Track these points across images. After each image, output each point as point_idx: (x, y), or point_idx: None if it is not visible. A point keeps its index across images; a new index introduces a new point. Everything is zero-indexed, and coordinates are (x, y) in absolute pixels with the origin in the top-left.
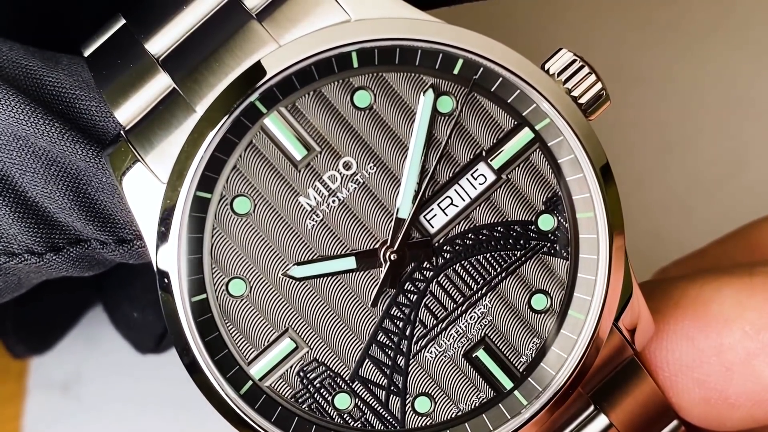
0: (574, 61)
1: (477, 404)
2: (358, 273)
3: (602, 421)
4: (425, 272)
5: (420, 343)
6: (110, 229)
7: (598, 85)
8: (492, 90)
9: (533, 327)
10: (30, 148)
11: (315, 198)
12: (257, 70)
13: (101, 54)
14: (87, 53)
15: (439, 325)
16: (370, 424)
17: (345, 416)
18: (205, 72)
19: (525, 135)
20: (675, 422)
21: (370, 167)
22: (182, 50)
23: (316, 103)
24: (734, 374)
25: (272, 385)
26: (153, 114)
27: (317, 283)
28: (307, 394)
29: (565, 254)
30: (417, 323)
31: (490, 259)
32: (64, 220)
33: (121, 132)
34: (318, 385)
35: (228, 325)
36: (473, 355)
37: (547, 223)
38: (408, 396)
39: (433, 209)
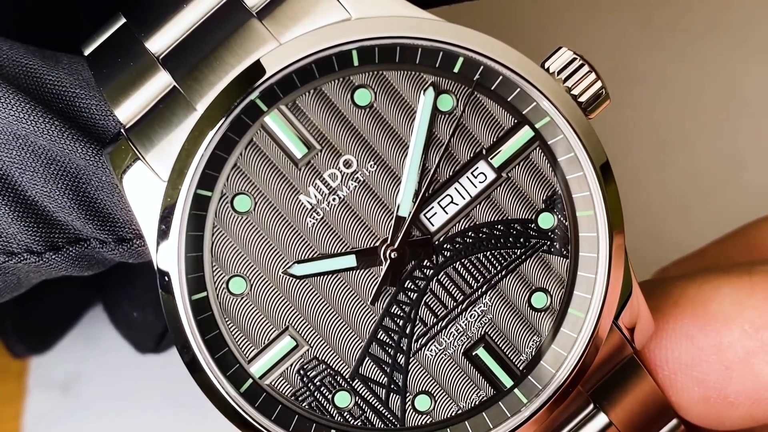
0: (573, 60)
1: (477, 402)
2: (358, 271)
3: (602, 419)
4: (425, 270)
5: (420, 341)
6: (110, 228)
7: (598, 84)
8: (492, 88)
9: (533, 325)
10: (30, 147)
11: (315, 196)
12: (257, 68)
13: (101, 53)
14: (87, 52)
15: (440, 324)
16: (370, 423)
17: (345, 414)
18: (206, 70)
19: (525, 133)
20: (674, 421)
21: (371, 165)
22: (182, 49)
23: (316, 102)
24: (733, 373)
25: (272, 383)
26: (153, 112)
27: (317, 281)
28: (308, 393)
29: (565, 252)
30: (417, 321)
31: (490, 257)
32: (64, 219)
33: (122, 130)
34: (318, 383)
35: (228, 323)
36: (473, 354)
37: (547, 221)
38: (408, 394)
39: (433, 207)
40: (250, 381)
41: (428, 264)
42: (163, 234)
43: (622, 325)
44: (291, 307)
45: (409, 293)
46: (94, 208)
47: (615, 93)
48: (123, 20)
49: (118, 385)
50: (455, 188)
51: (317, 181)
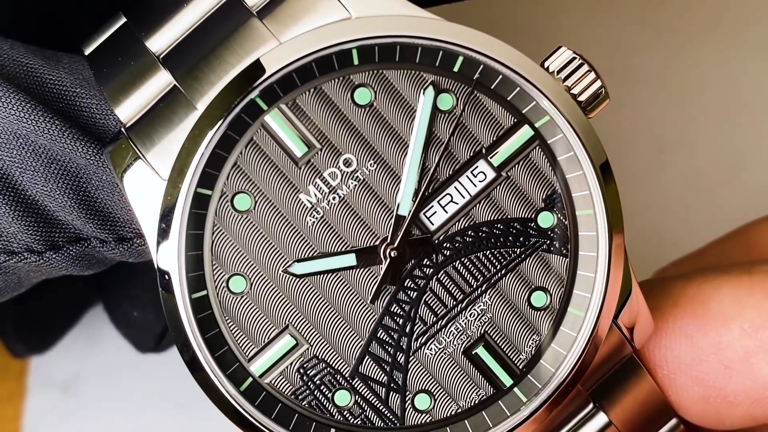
0: (573, 59)
1: (477, 401)
2: (358, 270)
3: (601, 419)
4: (425, 269)
5: (420, 340)
6: (110, 227)
7: (598, 83)
8: (492, 87)
9: (533, 324)
10: (30, 146)
11: (315, 195)
12: (258, 67)
13: (102, 52)
14: (88, 51)
15: (439, 322)
16: (370, 421)
17: (345, 413)
18: (206, 69)
19: (525, 132)
20: (674, 420)
21: (371, 164)
22: (183, 48)
23: (316, 100)
24: (733, 372)
25: (272, 382)
26: (154, 111)
27: (317, 280)
28: (307, 391)
29: (564, 251)
30: (417, 320)
31: (489, 256)
32: (64, 218)
33: (122, 129)
34: (318, 382)
35: (228, 321)
36: (473, 352)
37: (546, 220)
38: (408, 393)
39: (433, 206)
40: (250, 380)
41: (428, 263)
42: (163, 233)
43: (621, 325)
44: (291, 306)
45: (409, 292)
46: (94, 208)
47: (615, 93)
48: (123, 20)
49: (119, 385)
50: (455, 187)
51: (317, 180)
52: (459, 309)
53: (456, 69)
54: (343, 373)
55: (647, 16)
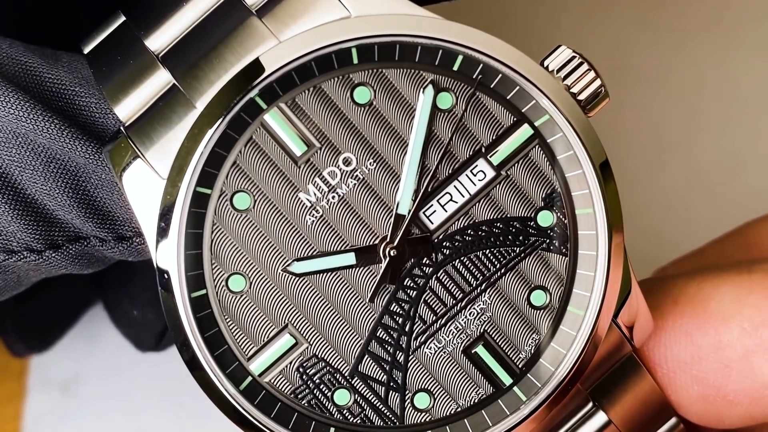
0: (573, 58)
1: (476, 400)
2: (357, 269)
3: (601, 417)
4: (424, 268)
5: (419, 339)
6: (110, 226)
7: (597, 82)
8: (491, 86)
9: (532, 323)
10: (29, 145)
11: (315, 194)
12: (257, 66)
13: (101, 51)
14: (87, 50)
15: (439, 321)
16: (370, 420)
17: (344, 412)
18: (205, 68)
19: (524, 131)
20: (674, 419)
21: (370, 163)
22: (182, 46)
23: (315, 99)
24: (732, 371)
25: (272, 380)
26: (153, 110)
27: (317, 278)
28: (307, 390)
29: (564, 250)
30: (416, 319)
31: (489, 255)
32: (64, 217)
33: (121, 128)
34: (317, 380)
35: (227, 320)
36: (472, 351)
37: (546, 219)
38: (407, 392)
39: (432, 205)
40: (250, 379)
41: (427, 262)
42: (162, 232)
43: (621, 323)
44: (290, 305)
45: (409, 291)
46: (93, 206)
47: (615, 93)
48: (122, 18)
49: (119, 385)
50: (454, 186)
51: (316, 179)
52: (458, 308)
53: (456, 68)
54: (343, 372)
55: (647, 16)
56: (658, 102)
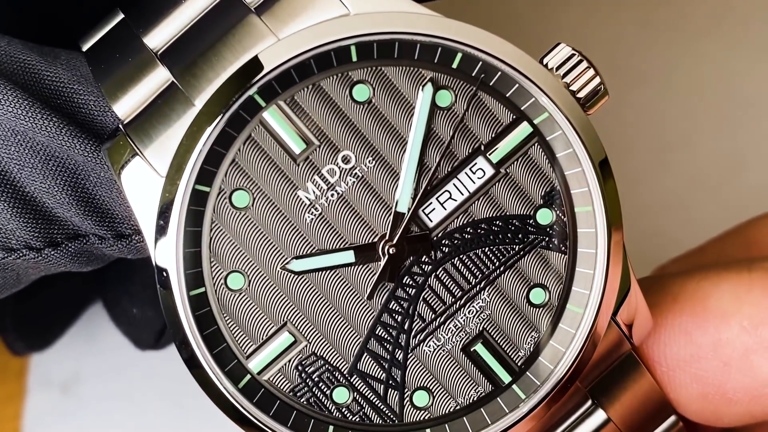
0: (572, 56)
1: (475, 398)
2: (356, 267)
3: (600, 415)
4: (424, 266)
5: (418, 337)
6: (109, 224)
7: (597, 80)
8: (491, 84)
9: (531, 321)
10: (28, 143)
11: (314, 192)
12: (256, 64)
13: (100, 48)
14: (85, 48)
15: (438, 319)
16: (369, 418)
17: (343, 410)
18: (204, 66)
19: (524, 129)
20: (673, 417)
21: (369, 161)
22: (181, 44)
23: (314, 97)
24: (732, 369)
25: (271, 378)
26: (152, 108)
27: (316, 277)
28: (306, 388)
29: (563, 248)
30: (415, 317)
31: (488, 253)
32: (63, 215)
33: (120, 126)
34: (316, 378)
35: (226, 318)
36: (471, 349)
37: (545, 217)
38: (406, 390)
39: (431, 203)
40: (249, 377)
41: (426, 260)
42: (161, 229)
43: (620, 321)
44: (289, 303)
45: (408, 289)
46: (92, 204)
47: (616, 93)
48: (121, 16)
49: (119, 384)
50: (454, 184)
51: (315, 177)
52: (457, 306)
53: (455, 66)
54: (342, 371)
55: (648, 17)
56: (658, 102)
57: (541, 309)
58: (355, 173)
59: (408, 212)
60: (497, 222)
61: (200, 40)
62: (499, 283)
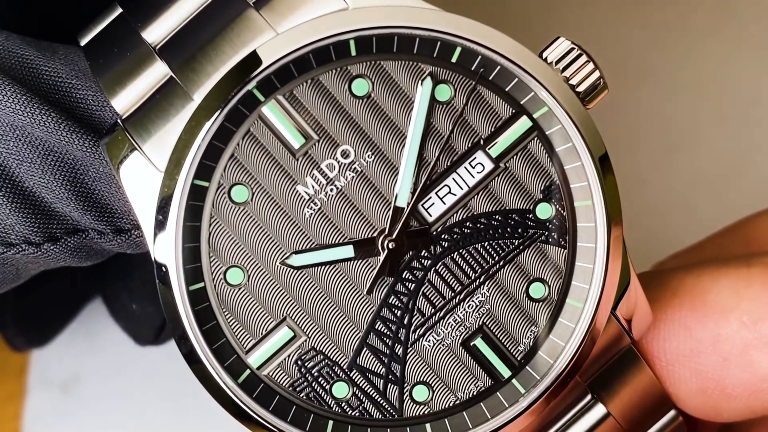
0: (571, 50)
1: (475, 393)
2: (356, 262)
3: (600, 410)
4: (423, 261)
5: (418, 331)
6: (108, 218)
7: (596, 74)
8: (490, 78)
9: (531, 315)
10: (27, 138)
11: (313, 187)
12: (254, 58)
13: (98, 43)
14: (83, 42)
15: (437, 314)
16: (368, 413)
17: (343, 405)
18: (203, 60)
19: (523, 123)
20: (672, 412)
21: (368, 156)
22: (179, 39)
23: (313, 92)
24: (731, 365)
25: (270, 373)
26: (150, 102)
27: (315, 271)
28: (305, 383)
29: (562, 243)
30: (415, 312)
31: (488, 247)
32: (62, 210)
33: (118, 121)
34: (316, 373)
35: (226, 313)
36: (471, 344)
37: (545, 211)
38: (406, 385)
39: (431, 198)
40: (248, 372)
41: (426, 254)
42: (160, 224)
43: (619, 316)
44: (288, 298)
45: (407, 284)
46: (91, 199)
47: (618, 93)
48: (119, 10)
49: (119, 383)
50: (453, 178)
51: (315, 172)
52: (457, 300)
53: (454, 60)
54: (341, 365)
55: (653, 17)
56: (662, 102)
57: (540, 303)
58: (355, 168)
59: (407, 207)
60: (497, 216)
61: (199, 34)
62: (499, 277)
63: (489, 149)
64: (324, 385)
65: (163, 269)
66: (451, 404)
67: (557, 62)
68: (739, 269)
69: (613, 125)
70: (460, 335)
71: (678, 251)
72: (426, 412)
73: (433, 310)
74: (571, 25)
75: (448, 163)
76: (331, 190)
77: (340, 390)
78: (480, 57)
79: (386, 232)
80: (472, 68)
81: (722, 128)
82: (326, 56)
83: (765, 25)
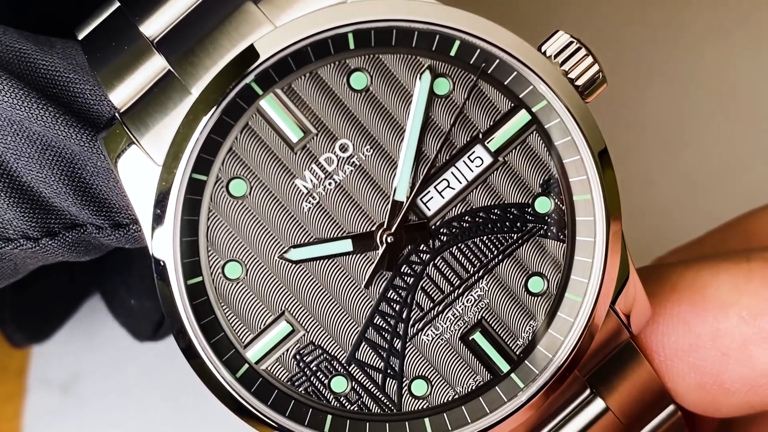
0: (570, 43)
1: (473, 387)
2: (354, 256)
3: (598, 404)
4: (422, 255)
5: (417, 326)
6: (106, 213)
7: (595, 67)
8: (489, 72)
9: (530, 310)
10: (24, 133)
11: (311, 180)
12: (252, 51)
13: (95, 37)
14: (81, 36)
15: (436, 308)
16: (367, 407)
17: (341, 399)
18: (201, 54)
19: (522, 117)
20: (671, 407)
21: (367, 149)
22: (177, 32)
23: (312, 85)
24: (730, 360)
25: (269, 368)
26: (148, 96)
27: (313, 265)
28: (304, 378)
29: (561, 237)
30: (413, 306)
31: (486, 241)
32: (60, 204)
33: (116, 114)
34: (314, 368)
35: (224, 308)
36: (470, 338)
37: (543, 205)
38: (405, 379)
39: (429, 192)
40: (246, 366)
41: (424, 248)
42: (158, 218)
43: (618, 310)
44: (287, 292)
45: (406, 278)
46: (89, 194)
47: (619, 90)
48: (117, 4)
49: (118, 382)
50: (452, 172)
51: (313, 166)
52: (456, 295)
53: (453, 53)
54: (340, 360)
55: (654, 15)
56: (663, 101)
57: (539, 297)
58: (353, 162)
59: (406, 201)
60: (495, 210)
61: (197, 27)
62: (498, 271)
63: (488, 143)
64: (322, 379)
65: (161, 263)
66: (449, 399)
67: (556, 56)
68: (738, 264)
69: (614, 123)
70: (459, 329)
71: (677, 246)
72: (425, 407)
73: (431, 305)
74: (573, 22)
75: (447, 157)
76: (330, 184)
77: (339, 384)
78: (479, 50)
79: (385, 226)
80: (471, 62)
81: (722, 127)
82: (325, 50)
83: (764, 23)
